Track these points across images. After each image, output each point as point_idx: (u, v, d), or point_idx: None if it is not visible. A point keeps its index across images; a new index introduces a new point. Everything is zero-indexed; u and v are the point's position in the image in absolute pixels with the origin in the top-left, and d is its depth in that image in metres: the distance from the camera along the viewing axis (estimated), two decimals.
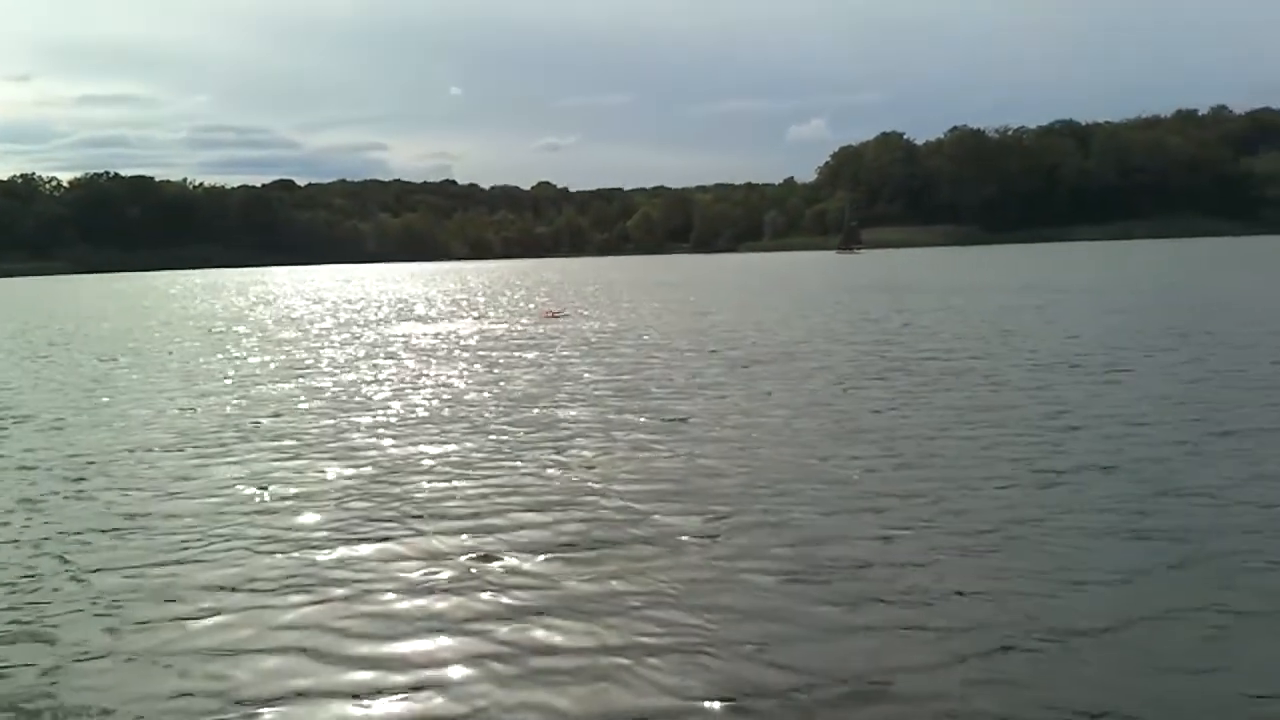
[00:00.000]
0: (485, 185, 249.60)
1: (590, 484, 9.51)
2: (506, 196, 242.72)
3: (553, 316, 32.54)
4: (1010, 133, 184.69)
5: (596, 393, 15.26)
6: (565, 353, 21.27)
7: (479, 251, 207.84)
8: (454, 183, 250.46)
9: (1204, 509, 8.08)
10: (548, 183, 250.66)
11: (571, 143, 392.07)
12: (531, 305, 40.87)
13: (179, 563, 7.59)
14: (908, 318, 27.32)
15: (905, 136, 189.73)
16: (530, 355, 21.06)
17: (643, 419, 12.86)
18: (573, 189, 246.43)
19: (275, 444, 12.02)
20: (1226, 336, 20.02)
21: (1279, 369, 15.56)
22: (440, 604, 6.53)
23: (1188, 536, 7.41)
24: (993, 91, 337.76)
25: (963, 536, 7.55)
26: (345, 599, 6.68)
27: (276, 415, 14.16)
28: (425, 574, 7.11)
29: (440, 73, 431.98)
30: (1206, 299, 30.83)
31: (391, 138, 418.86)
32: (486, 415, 13.51)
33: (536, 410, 13.79)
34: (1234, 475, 9.04)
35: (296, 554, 7.67)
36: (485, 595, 6.65)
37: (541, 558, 7.36)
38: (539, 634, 6.01)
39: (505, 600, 6.55)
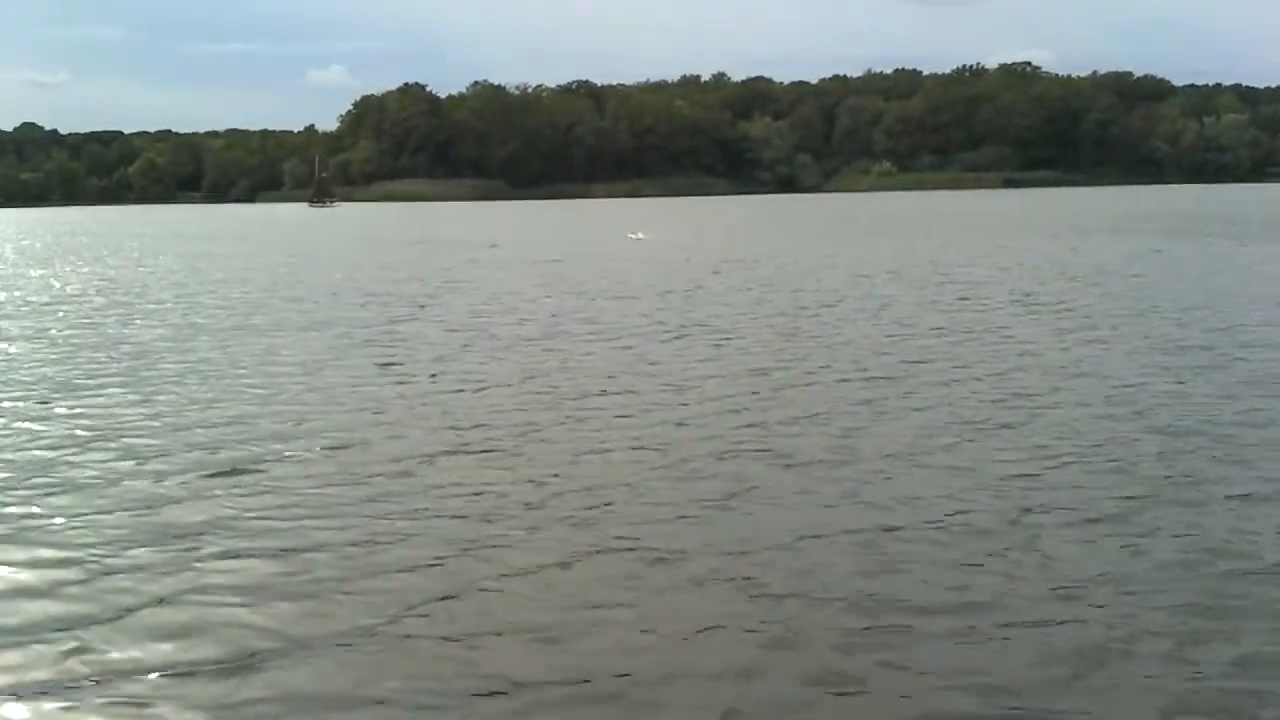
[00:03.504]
0: None
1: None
2: None
3: None
4: (530, 90, 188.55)
5: None
6: None
7: None
8: None
9: None
10: (33, 124, 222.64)
11: (60, 80, 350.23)
12: None
13: None
14: None
15: (428, 88, 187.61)
16: None
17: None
18: (64, 131, 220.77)
19: None
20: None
21: None
22: None
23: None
24: (513, 48, 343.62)
25: None
26: None
27: None
28: None
29: None
30: None
31: None
32: None
33: None
34: None
35: None
36: None
37: None
38: None
39: None
